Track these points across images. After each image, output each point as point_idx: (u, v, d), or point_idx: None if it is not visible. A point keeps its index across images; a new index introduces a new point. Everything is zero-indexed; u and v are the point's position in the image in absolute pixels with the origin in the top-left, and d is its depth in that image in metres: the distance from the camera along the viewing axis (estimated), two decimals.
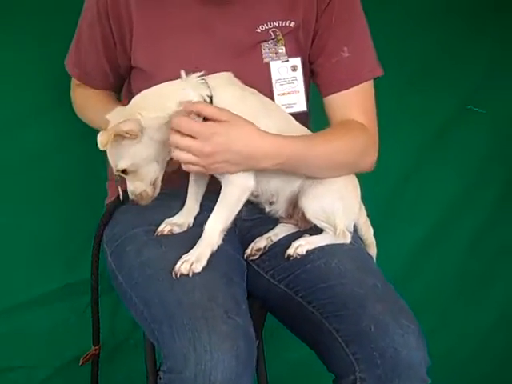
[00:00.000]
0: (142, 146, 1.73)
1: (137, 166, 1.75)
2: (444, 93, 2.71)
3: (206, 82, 1.78)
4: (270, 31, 1.98)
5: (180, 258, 1.74)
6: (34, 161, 2.44)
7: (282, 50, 1.98)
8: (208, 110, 1.73)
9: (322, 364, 1.85)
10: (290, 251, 1.87)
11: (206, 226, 1.77)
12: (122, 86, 2.15)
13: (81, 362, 2.15)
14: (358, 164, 1.96)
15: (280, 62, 1.98)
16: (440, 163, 2.76)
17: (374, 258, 2.02)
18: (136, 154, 1.74)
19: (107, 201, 2.18)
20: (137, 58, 1.99)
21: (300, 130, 1.92)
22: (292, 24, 1.98)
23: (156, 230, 1.88)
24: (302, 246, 1.88)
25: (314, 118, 2.09)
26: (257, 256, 1.94)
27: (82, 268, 2.43)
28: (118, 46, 2.02)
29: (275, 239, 1.95)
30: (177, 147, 1.73)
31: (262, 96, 1.88)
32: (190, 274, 1.70)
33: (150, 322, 1.73)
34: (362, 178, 1.97)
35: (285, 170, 1.84)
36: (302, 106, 2.01)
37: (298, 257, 1.87)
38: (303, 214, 1.91)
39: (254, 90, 1.86)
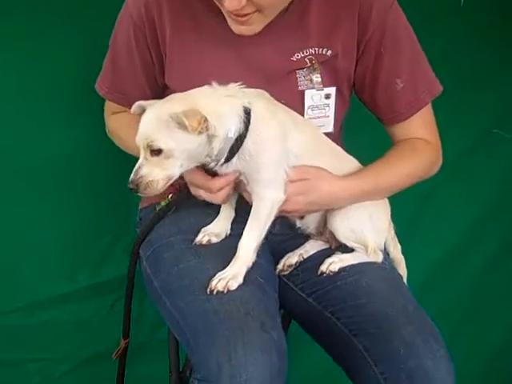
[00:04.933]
0: (194, 140, 1.73)
1: (174, 153, 1.73)
2: (469, 115, 2.73)
3: (244, 92, 1.82)
4: (305, 59, 2.00)
5: (216, 272, 1.78)
6: (63, 162, 2.48)
7: (317, 78, 2.01)
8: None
9: (346, 376, 1.89)
10: (323, 268, 1.92)
11: (241, 244, 1.82)
12: None
13: (114, 356, 2.22)
14: (425, 178, 2.09)
15: (315, 90, 2.02)
16: (462, 186, 2.79)
17: (405, 277, 2.06)
18: (184, 142, 1.73)
19: (142, 205, 2.22)
20: (170, 79, 2.03)
21: (328, 143, 1.98)
22: (329, 53, 2.00)
23: (193, 239, 1.92)
24: (334, 263, 1.93)
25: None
26: (288, 271, 1.99)
27: (107, 269, 2.56)
28: (157, 66, 2.04)
29: (306, 255, 2.00)
30: None
31: (292, 111, 1.92)
32: (225, 291, 1.75)
33: (184, 331, 1.78)
34: None
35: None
36: (328, 127, 2.07)
37: (331, 273, 1.92)
38: (332, 233, 1.97)
39: (284, 106, 1.90)
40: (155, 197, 2.07)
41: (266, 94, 1.88)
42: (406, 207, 2.72)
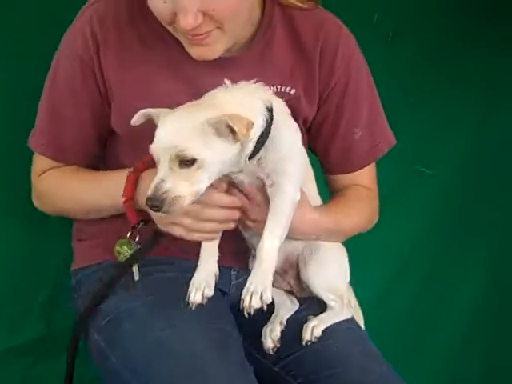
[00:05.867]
0: (231, 148, 1.58)
1: (206, 164, 1.55)
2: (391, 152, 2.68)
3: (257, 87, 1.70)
4: None
5: (205, 350, 1.60)
6: None
7: None
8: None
9: None
10: (307, 336, 1.79)
11: (262, 245, 1.63)
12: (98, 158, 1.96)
13: None
14: (369, 228, 2.04)
15: None
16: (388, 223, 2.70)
17: (362, 324, 2.01)
18: (221, 151, 1.57)
19: (74, 266, 1.98)
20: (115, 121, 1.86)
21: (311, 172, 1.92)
22: (292, 91, 1.90)
23: (160, 302, 1.71)
24: (317, 327, 1.80)
25: None
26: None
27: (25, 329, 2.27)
28: (106, 106, 1.85)
29: (284, 320, 1.85)
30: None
31: None
32: (265, 308, 1.59)
33: None
34: None
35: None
36: None
37: (315, 340, 1.79)
38: (301, 280, 1.86)
39: None
40: (97, 254, 1.88)
41: None
42: None
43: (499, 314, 2.83)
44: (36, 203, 1.98)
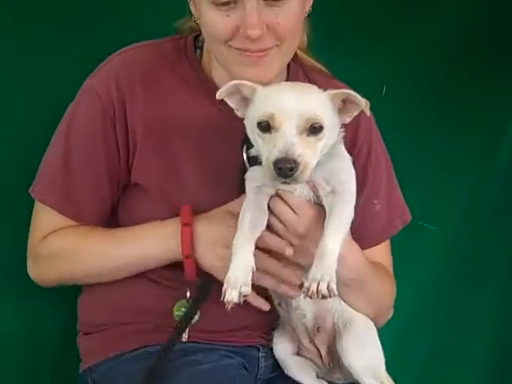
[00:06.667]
0: (338, 125, 1.66)
1: (327, 137, 1.60)
2: None
3: None
4: None
5: None
6: None
7: None
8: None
9: None
10: None
11: (322, 247, 1.59)
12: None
13: None
14: (389, 308, 1.97)
15: None
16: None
17: None
18: (335, 125, 1.65)
19: (91, 361, 1.87)
20: (141, 175, 1.82)
21: None
22: None
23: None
24: None
25: None
26: None
27: None
28: (122, 163, 1.81)
29: None
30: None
31: None
32: (332, 295, 1.55)
33: None
34: None
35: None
36: None
37: None
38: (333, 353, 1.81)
39: None
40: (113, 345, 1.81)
41: None
42: None
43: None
44: (34, 273, 1.88)
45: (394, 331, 2.64)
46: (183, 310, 1.77)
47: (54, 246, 1.84)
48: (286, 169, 1.50)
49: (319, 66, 1.98)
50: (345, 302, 1.82)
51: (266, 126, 1.57)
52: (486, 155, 2.75)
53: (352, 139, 1.90)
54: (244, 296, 1.58)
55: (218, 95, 1.64)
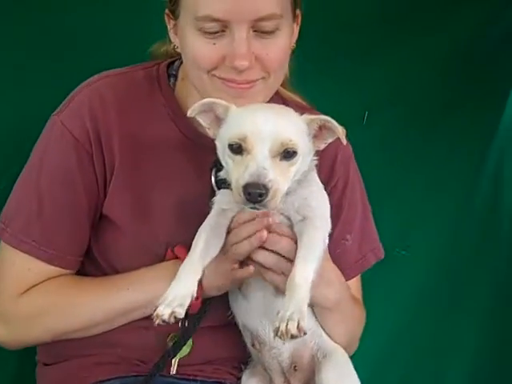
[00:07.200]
0: (310, 154, 1.61)
1: (300, 162, 1.55)
2: None
3: None
4: None
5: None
6: None
7: None
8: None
9: None
10: None
11: (294, 273, 1.53)
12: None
13: None
14: (358, 339, 1.94)
15: None
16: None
17: None
18: (309, 152, 1.60)
19: None
20: (112, 208, 1.76)
21: None
22: None
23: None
24: None
25: None
26: None
27: None
28: (101, 193, 1.74)
29: None
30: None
31: None
32: (302, 335, 1.46)
33: None
34: None
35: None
36: None
37: None
38: None
39: None
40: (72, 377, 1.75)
41: None
42: None
43: None
44: (3, 335, 1.75)
45: (370, 362, 2.64)
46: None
47: (34, 304, 1.73)
48: (255, 194, 1.46)
49: (297, 98, 1.94)
50: (323, 328, 1.77)
51: (237, 148, 1.52)
52: (467, 182, 2.73)
53: (328, 174, 1.87)
54: (175, 318, 1.51)
55: (190, 112, 1.58)
